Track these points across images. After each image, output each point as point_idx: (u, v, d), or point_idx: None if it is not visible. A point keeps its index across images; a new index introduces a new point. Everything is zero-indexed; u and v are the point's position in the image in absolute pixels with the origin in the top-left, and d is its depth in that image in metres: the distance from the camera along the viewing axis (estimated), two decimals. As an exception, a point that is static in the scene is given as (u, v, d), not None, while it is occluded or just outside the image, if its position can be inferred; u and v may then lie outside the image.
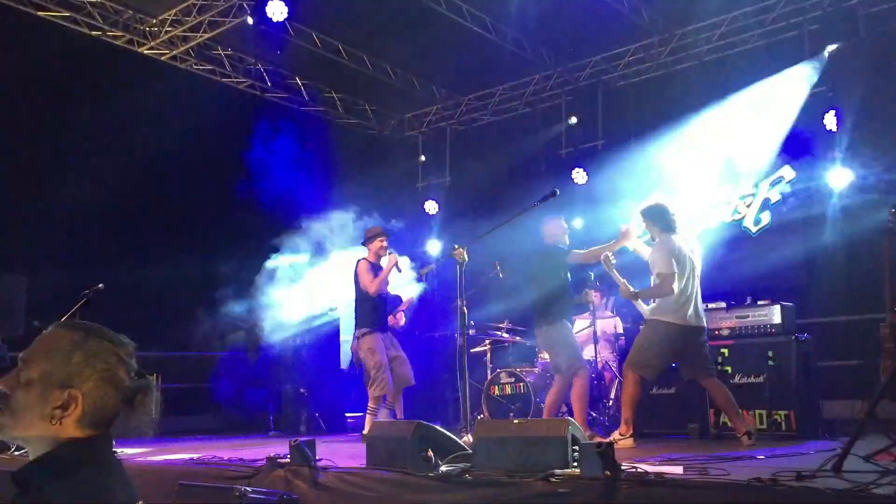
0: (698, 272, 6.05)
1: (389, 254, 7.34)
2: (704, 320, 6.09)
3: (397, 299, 8.26)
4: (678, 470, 3.85)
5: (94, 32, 9.23)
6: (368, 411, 7.05)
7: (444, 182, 12.26)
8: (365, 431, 6.67)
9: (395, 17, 9.18)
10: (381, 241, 7.38)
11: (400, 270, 7.43)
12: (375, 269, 7.30)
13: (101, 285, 6.48)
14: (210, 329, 9.61)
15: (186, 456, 5.53)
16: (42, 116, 8.52)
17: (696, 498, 3.18)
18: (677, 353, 6.02)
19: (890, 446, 3.67)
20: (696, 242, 6.26)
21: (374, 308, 7.29)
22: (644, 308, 6.21)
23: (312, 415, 9.39)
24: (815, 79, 8.75)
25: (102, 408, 1.78)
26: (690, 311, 5.91)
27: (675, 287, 5.86)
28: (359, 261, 7.38)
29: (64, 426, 1.74)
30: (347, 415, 10.16)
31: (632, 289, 6.16)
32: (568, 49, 10.20)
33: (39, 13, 8.75)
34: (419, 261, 10.69)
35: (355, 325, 7.40)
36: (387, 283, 7.42)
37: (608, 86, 10.49)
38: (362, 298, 7.27)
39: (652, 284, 6.04)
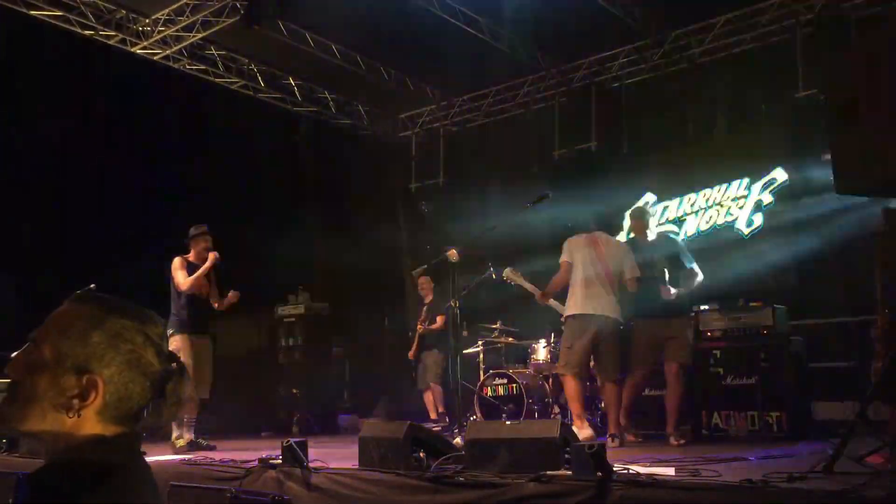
0: (600, 267, 6.30)
1: (210, 252, 7.00)
2: (606, 311, 6.25)
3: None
4: (670, 471, 3.86)
5: (86, 32, 9.20)
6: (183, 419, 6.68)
7: (438, 183, 12.26)
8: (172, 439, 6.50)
9: (388, 17, 9.17)
10: (206, 242, 7.06)
11: (220, 268, 7.07)
12: (192, 268, 6.98)
13: (92, 286, 6.43)
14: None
15: (178, 457, 5.52)
16: (33, 117, 8.49)
17: (687, 499, 3.18)
18: (589, 343, 6.23)
19: (881, 448, 3.68)
20: (611, 241, 6.56)
21: (184, 308, 6.90)
22: (561, 308, 6.47)
23: (304, 416, 9.38)
24: (807, 80, 8.80)
25: (128, 398, 1.50)
26: (579, 299, 6.25)
27: (572, 277, 6.27)
28: (174, 257, 7.05)
29: (83, 420, 1.47)
30: (340, 416, 10.18)
31: (538, 291, 6.44)
32: (561, 50, 10.21)
33: (31, 12, 8.72)
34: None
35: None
36: (205, 284, 7.04)
37: (601, 87, 10.50)
38: (174, 297, 6.94)
39: None
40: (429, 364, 9.14)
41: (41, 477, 1.46)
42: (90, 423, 1.48)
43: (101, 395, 1.48)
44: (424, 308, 9.50)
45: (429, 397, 9.14)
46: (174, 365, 1.59)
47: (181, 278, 6.87)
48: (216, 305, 7.16)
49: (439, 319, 9.12)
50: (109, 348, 1.50)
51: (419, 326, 9.29)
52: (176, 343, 6.69)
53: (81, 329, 1.50)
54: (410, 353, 9.38)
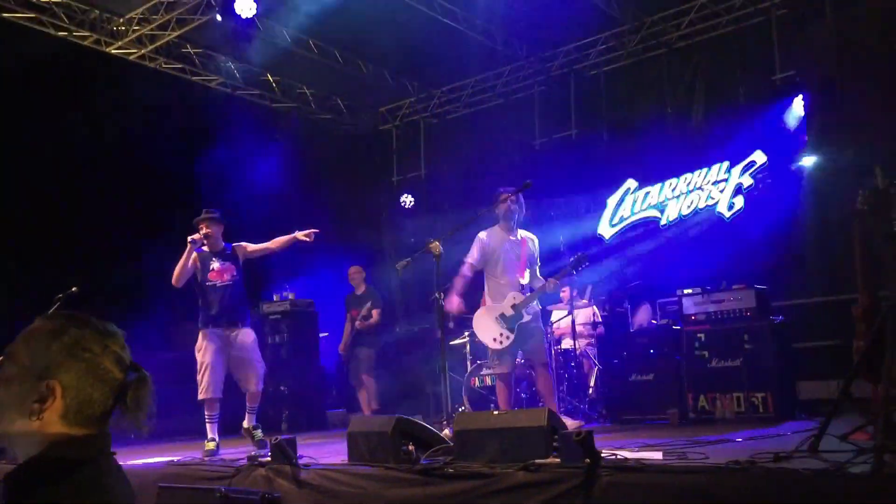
0: None
1: (189, 238, 6.44)
2: None
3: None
4: (657, 455, 3.89)
5: (59, 33, 9.11)
6: (205, 418, 6.40)
7: (419, 175, 12.26)
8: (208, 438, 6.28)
9: (364, 10, 9.12)
10: (202, 227, 6.52)
11: (200, 247, 6.51)
12: (202, 257, 6.53)
13: (74, 288, 6.36)
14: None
15: (166, 458, 5.50)
16: (10, 120, 8.40)
17: (675, 482, 3.21)
18: None
19: (865, 425, 3.72)
20: None
21: (202, 301, 6.55)
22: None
23: (293, 412, 9.37)
24: (784, 63, 8.87)
25: (88, 402, 1.63)
26: None
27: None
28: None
29: (47, 422, 1.60)
30: (328, 412, 10.17)
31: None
32: (539, 39, 10.20)
33: (4, 15, 8.62)
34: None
35: None
36: (216, 273, 6.54)
37: (580, 75, 10.51)
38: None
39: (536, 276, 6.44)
40: (362, 358, 9.09)
41: (15, 476, 1.60)
42: (55, 425, 1.62)
43: (61, 398, 1.62)
44: (356, 299, 9.37)
45: (363, 394, 9.09)
46: (136, 374, 1.72)
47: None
48: (307, 238, 6.63)
49: (375, 314, 9.09)
50: (68, 356, 1.64)
51: (356, 322, 9.13)
52: (198, 340, 6.49)
53: (43, 340, 1.66)
54: (341, 347, 9.33)
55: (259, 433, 6.58)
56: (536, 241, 6.53)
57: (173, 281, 6.48)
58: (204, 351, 6.41)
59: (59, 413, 1.61)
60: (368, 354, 9.11)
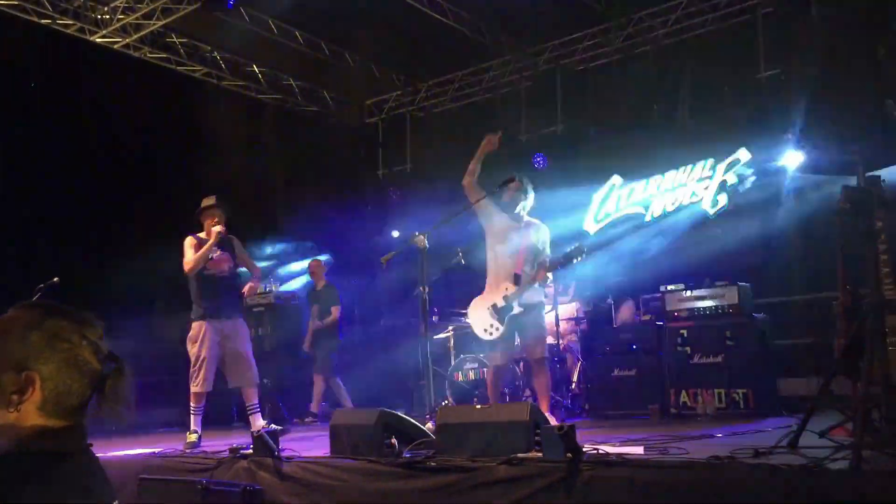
0: None
1: (214, 228, 6.26)
2: None
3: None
4: (639, 450, 3.91)
5: (43, 21, 9.02)
6: (191, 410, 6.20)
7: (405, 169, 12.24)
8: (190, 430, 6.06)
9: (351, 2, 9.10)
10: (212, 219, 6.33)
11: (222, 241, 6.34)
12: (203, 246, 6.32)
13: (55, 279, 6.30)
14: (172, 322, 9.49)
15: (148, 450, 5.48)
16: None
17: (656, 477, 3.23)
18: None
19: (844, 422, 3.76)
20: None
21: (199, 292, 6.28)
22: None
23: (276, 405, 9.34)
24: (769, 61, 8.91)
25: (66, 393, 1.62)
26: None
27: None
28: (187, 236, 6.36)
29: (24, 414, 1.59)
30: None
31: None
32: (526, 34, 10.21)
33: (-15, 2, 8.54)
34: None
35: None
36: (215, 262, 6.32)
37: (566, 71, 10.52)
38: (188, 281, 6.33)
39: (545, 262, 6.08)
40: (316, 358, 9.08)
41: None
42: (32, 417, 1.60)
43: (39, 390, 1.60)
44: (315, 295, 9.37)
45: (339, 389, 9.04)
46: (114, 364, 1.71)
47: (185, 259, 6.23)
48: (245, 291, 6.57)
49: (334, 311, 9.06)
50: (47, 347, 1.62)
51: (310, 321, 9.13)
52: (192, 331, 6.24)
53: (20, 331, 1.62)
54: (305, 345, 9.29)
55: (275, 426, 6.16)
56: (545, 230, 6.29)
57: (187, 269, 6.24)
58: (201, 343, 6.17)
59: (36, 405, 1.60)
60: (322, 356, 9.04)
